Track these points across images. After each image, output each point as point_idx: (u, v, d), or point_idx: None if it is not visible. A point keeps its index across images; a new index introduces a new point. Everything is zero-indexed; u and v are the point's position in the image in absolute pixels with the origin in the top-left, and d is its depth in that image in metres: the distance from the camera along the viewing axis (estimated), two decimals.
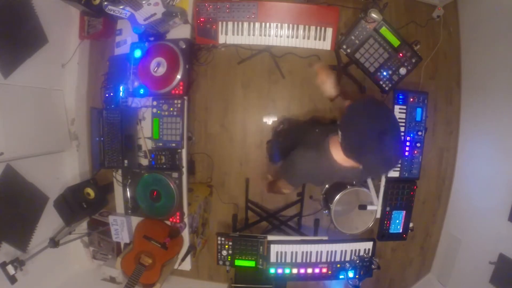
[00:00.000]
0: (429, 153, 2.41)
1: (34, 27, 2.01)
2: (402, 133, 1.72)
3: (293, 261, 1.72)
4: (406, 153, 1.75)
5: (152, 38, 1.72)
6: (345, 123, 0.93)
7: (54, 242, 1.92)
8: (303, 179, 1.19)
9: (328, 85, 1.28)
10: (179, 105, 1.70)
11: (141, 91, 1.74)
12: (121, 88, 1.83)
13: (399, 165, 1.75)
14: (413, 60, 1.67)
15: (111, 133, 1.78)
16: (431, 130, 2.35)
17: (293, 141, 1.26)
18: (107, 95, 1.89)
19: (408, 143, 1.74)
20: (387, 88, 1.73)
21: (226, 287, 2.43)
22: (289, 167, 1.15)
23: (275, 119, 2.45)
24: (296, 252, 1.71)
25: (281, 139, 1.90)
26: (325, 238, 1.78)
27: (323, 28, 1.69)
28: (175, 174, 1.73)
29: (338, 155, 1.01)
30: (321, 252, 1.71)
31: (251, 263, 1.75)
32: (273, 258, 1.72)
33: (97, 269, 2.47)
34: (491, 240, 1.91)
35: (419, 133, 1.74)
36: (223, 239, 1.74)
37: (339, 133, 0.95)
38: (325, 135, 1.10)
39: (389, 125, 0.87)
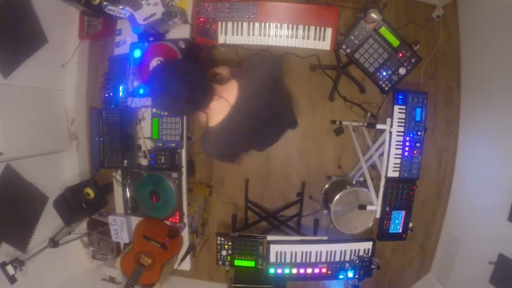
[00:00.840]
0: (429, 153, 2.41)
1: (34, 27, 2.01)
2: (401, 133, 1.72)
3: (293, 261, 1.72)
4: (406, 153, 1.74)
5: (151, 38, 1.72)
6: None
7: (54, 242, 1.92)
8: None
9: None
10: None
11: (141, 91, 1.74)
12: (120, 88, 1.82)
13: (399, 165, 1.75)
14: (413, 60, 1.67)
15: (110, 133, 1.78)
16: (430, 130, 2.35)
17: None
18: (106, 95, 1.89)
19: (407, 143, 1.74)
20: (386, 88, 1.73)
21: (226, 287, 2.43)
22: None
23: None
24: (296, 252, 1.71)
25: None
26: (325, 238, 1.78)
27: (322, 28, 1.69)
28: (174, 174, 1.73)
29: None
30: (321, 252, 1.71)
31: (251, 263, 1.75)
32: (272, 258, 1.72)
33: (96, 269, 2.47)
34: (490, 240, 1.91)
35: (419, 133, 1.73)
36: (222, 239, 1.74)
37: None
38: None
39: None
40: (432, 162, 2.45)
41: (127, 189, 1.82)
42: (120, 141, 1.74)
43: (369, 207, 1.78)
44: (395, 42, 1.63)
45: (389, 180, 1.75)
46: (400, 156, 1.74)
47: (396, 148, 1.73)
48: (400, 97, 1.71)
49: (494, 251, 1.85)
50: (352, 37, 1.69)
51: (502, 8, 1.88)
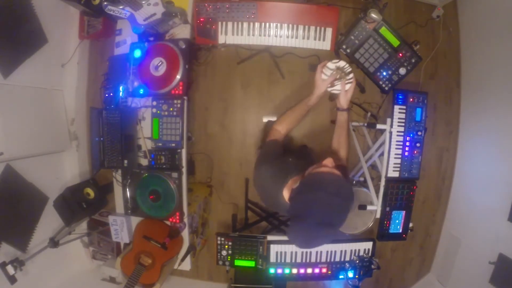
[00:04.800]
0: (429, 153, 2.41)
1: (34, 27, 2.01)
2: (402, 133, 1.72)
3: (293, 261, 1.72)
4: (406, 153, 1.74)
5: (151, 38, 1.72)
6: (301, 191, 0.91)
7: (54, 242, 1.92)
8: (256, 188, 1.19)
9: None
10: (178, 105, 1.70)
11: (141, 91, 1.74)
12: (120, 88, 1.82)
13: (399, 165, 1.75)
14: (413, 60, 1.67)
15: (110, 133, 1.78)
16: (431, 130, 2.35)
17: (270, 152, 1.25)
18: (107, 95, 1.89)
19: (408, 143, 1.74)
20: (386, 88, 1.73)
21: (226, 287, 2.43)
22: (254, 174, 1.16)
23: (275, 119, 2.45)
24: (296, 252, 1.71)
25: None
26: None
27: (322, 28, 1.69)
28: (175, 174, 1.73)
29: (286, 196, 1.04)
30: (321, 252, 1.71)
31: (251, 263, 1.75)
32: (272, 258, 1.72)
33: (97, 269, 2.47)
34: (491, 240, 1.91)
35: (419, 133, 1.73)
36: (222, 239, 1.74)
37: (295, 187, 0.96)
38: (293, 168, 1.09)
39: (332, 221, 0.87)
40: (432, 162, 2.45)
41: (127, 189, 1.82)
42: (120, 141, 1.74)
43: (369, 207, 1.78)
44: (395, 42, 1.63)
45: (389, 180, 1.75)
46: (400, 156, 1.74)
47: (396, 148, 1.73)
48: (400, 97, 1.71)
49: (494, 251, 1.85)
50: (352, 37, 1.69)
51: (502, 8, 1.88)
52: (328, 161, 0.94)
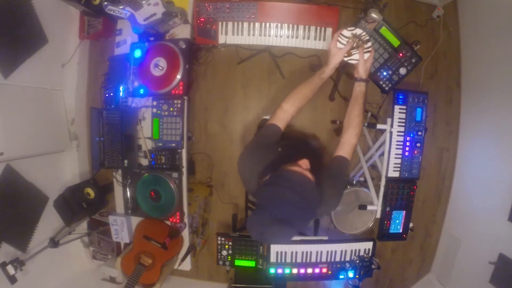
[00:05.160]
0: (429, 153, 2.41)
1: (34, 27, 2.01)
2: (402, 133, 1.72)
3: (293, 261, 1.72)
4: (406, 153, 1.74)
5: (152, 38, 1.72)
6: (268, 184, 0.92)
7: (54, 242, 1.92)
8: (239, 172, 1.14)
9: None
10: (179, 105, 1.70)
11: (141, 91, 1.74)
12: (121, 88, 1.83)
13: (399, 165, 1.75)
14: (413, 60, 1.67)
15: (111, 133, 1.78)
16: (431, 130, 2.35)
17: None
18: (107, 95, 1.89)
19: (408, 143, 1.74)
20: (387, 88, 1.73)
21: (226, 287, 2.42)
22: (240, 156, 1.12)
23: None
24: (296, 252, 1.71)
25: None
26: (325, 238, 1.78)
27: (323, 28, 1.69)
28: (175, 174, 1.73)
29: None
30: (321, 252, 1.71)
31: (251, 263, 1.75)
32: (273, 258, 1.72)
33: (97, 269, 2.47)
34: (491, 240, 1.91)
35: (419, 133, 1.73)
36: (223, 239, 1.74)
37: (265, 178, 0.96)
38: (277, 161, 1.05)
39: (289, 219, 0.86)
40: (432, 162, 2.45)
41: (128, 189, 1.83)
42: (121, 141, 1.75)
43: (369, 207, 1.78)
44: (395, 42, 1.63)
45: (389, 180, 1.75)
46: (400, 156, 1.74)
47: (397, 148, 1.73)
48: (400, 97, 1.71)
49: (494, 251, 1.85)
50: None
51: (502, 8, 1.88)
52: (303, 162, 0.93)
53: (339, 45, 1.25)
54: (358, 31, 1.25)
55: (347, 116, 1.22)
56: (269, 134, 1.14)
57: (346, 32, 1.25)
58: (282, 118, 1.16)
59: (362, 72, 1.24)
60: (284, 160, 1.00)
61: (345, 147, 1.17)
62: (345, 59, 1.27)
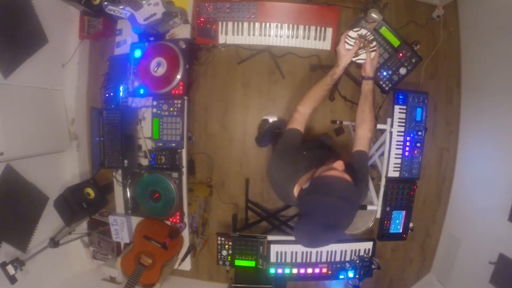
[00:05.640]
0: (429, 153, 2.41)
1: (34, 27, 2.01)
2: (402, 133, 1.72)
3: (293, 261, 1.72)
4: (406, 153, 1.74)
5: (152, 38, 1.72)
6: (310, 193, 0.94)
7: (54, 242, 1.92)
8: (269, 180, 1.18)
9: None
10: (179, 105, 1.70)
11: (141, 91, 1.74)
12: (121, 88, 1.83)
13: (399, 165, 1.75)
14: (413, 60, 1.67)
15: (111, 133, 1.78)
16: (431, 130, 2.35)
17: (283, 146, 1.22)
18: (107, 95, 1.89)
19: (408, 143, 1.74)
20: (387, 88, 1.72)
21: (226, 287, 2.43)
22: (268, 165, 1.15)
23: (275, 119, 2.45)
24: (296, 252, 1.71)
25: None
26: None
27: (323, 28, 1.68)
28: (175, 174, 1.73)
29: (296, 192, 1.05)
30: (321, 252, 1.71)
31: (251, 263, 1.75)
32: (273, 258, 1.72)
33: (97, 269, 2.47)
34: (491, 240, 1.91)
35: (419, 133, 1.73)
36: (223, 239, 1.74)
37: (305, 186, 0.97)
38: (306, 164, 1.08)
39: (337, 224, 0.90)
40: (432, 162, 2.45)
41: (128, 189, 1.82)
42: (121, 141, 1.75)
43: (369, 207, 1.78)
44: (395, 42, 1.63)
45: (389, 180, 1.75)
46: (400, 156, 1.74)
47: (397, 148, 1.73)
48: (400, 97, 1.71)
49: (494, 251, 1.85)
50: None
51: (502, 8, 1.88)
52: (339, 164, 0.94)
53: (347, 46, 1.31)
54: (363, 31, 1.32)
55: (360, 113, 1.27)
56: (292, 138, 1.18)
57: (352, 33, 1.32)
58: (300, 121, 1.21)
59: (369, 70, 1.30)
60: (314, 162, 1.03)
61: (362, 142, 1.22)
62: (353, 59, 1.34)
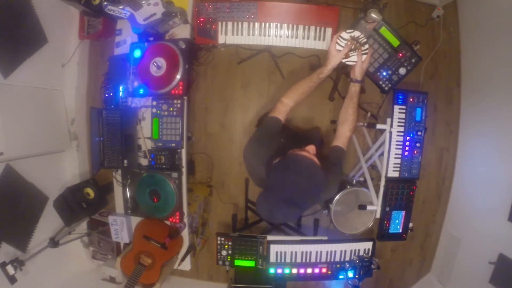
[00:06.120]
0: (429, 153, 2.41)
1: (34, 27, 2.01)
2: (402, 133, 1.72)
3: (293, 261, 1.72)
4: (406, 153, 1.74)
5: (151, 38, 1.72)
6: (278, 168, 1.00)
7: (54, 242, 1.92)
8: (245, 163, 1.23)
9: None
10: (178, 105, 1.70)
11: (141, 91, 1.74)
12: (120, 88, 1.83)
13: (399, 165, 1.75)
14: (413, 60, 1.67)
15: (111, 133, 1.78)
16: (431, 130, 2.35)
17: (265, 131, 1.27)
18: (106, 95, 1.89)
19: (408, 143, 1.74)
20: (386, 88, 1.72)
21: (226, 287, 2.43)
22: (245, 148, 1.20)
23: None
24: (296, 252, 1.71)
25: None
26: (325, 238, 1.78)
27: (322, 28, 1.68)
28: (174, 174, 1.73)
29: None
30: (321, 252, 1.71)
31: (251, 263, 1.75)
32: (272, 258, 1.72)
33: (97, 269, 2.47)
34: (491, 240, 1.91)
35: (419, 133, 1.73)
36: (222, 239, 1.74)
37: (275, 161, 1.02)
38: (281, 149, 1.11)
39: (297, 201, 0.95)
40: (432, 162, 2.45)
41: (127, 189, 1.83)
42: (120, 141, 1.75)
43: (369, 207, 1.77)
44: (395, 42, 1.63)
45: (389, 180, 1.75)
46: (400, 156, 1.74)
47: (396, 148, 1.73)
48: (400, 97, 1.71)
49: (494, 251, 1.85)
50: None
51: (502, 8, 1.88)
52: (310, 148, 1.00)
53: (338, 47, 1.31)
54: (356, 33, 1.31)
55: (343, 112, 1.30)
56: (272, 125, 1.23)
57: (344, 35, 1.31)
58: (282, 111, 1.26)
59: (358, 73, 1.31)
60: (290, 148, 1.06)
61: (342, 139, 1.27)
62: (343, 60, 1.33)
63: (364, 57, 1.31)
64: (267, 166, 1.11)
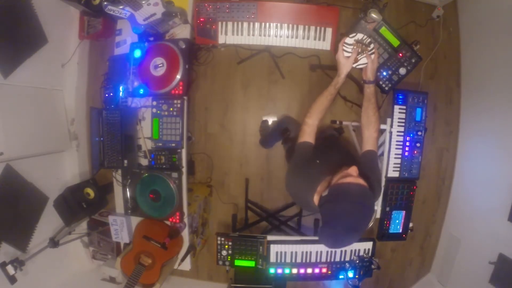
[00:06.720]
0: (429, 153, 2.41)
1: (34, 27, 2.01)
2: (402, 133, 1.72)
3: (293, 261, 1.72)
4: (406, 153, 1.75)
5: (151, 38, 1.72)
6: (329, 201, 1.00)
7: (54, 242, 1.92)
8: (289, 193, 1.25)
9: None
10: (178, 105, 1.70)
11: (141, 91, 1.74)
12: (120, 88, 1.82)
13: (399, 165, 1.75)
14: (413, 60, 1.67)
15: (110, 133, 1.78)
16: (431, 130, 2.35)
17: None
18: (106, 95, 1.89)
19: (408, 143, 1.74)
20: (387, 88, 1.73)
21: (226, 287, 2.43)
22: (286, 180, 1.22)
23: (275, 119, 2.45)
24: (296, 252, 1.71)
25: (288, 144, 1.88)
26: None
27: (322, 28, 1.68)
28: (175, 174, 1.73)
29: (316, 200, 1.12)
30: (321, 252, 1.71)
31: (251, 263, 1.75)
32: (272, 258, 1.72)
33: (97, 269, 2.47)
34: (490, 240, 1.91)
35: (419, 133, 1.73)
36: (222, 239, 1.74)
37: (324, 194, 1.03)
38: (321, 173, 1.13)
39: (357, 227, 0.98)
40: (432, 162, 2.45)
41: (127, 189, 1.82)
42: (120, 141, 1.74)
43: None
44: (395, 42, 1.63)
45: (389, 180, 1.75)
46: (400, 156, 1.74)
47: (396, 148, 1.73)
48: (400, 97, 1.71)
49: (494, 251, 1.85)
50: None
51: (502, 8, 1.88)
52: (353, 170, 0.99)
53: (345, 54, 1.31)
54: (359, 35, 1.32)
55: (364, 115, 1.31)
56: (304, 152, 1.23)
57: (349, 40, 1.33)
58: (309, 132, 1.25)
59: (370, 74, 1.32)
60: (329, 169, 1.10)
61: (370, 142, 1.27)
62: (354, 65, 1.34)
63: (372, 56, 1.32)
64: (311, 191, 1.12)
